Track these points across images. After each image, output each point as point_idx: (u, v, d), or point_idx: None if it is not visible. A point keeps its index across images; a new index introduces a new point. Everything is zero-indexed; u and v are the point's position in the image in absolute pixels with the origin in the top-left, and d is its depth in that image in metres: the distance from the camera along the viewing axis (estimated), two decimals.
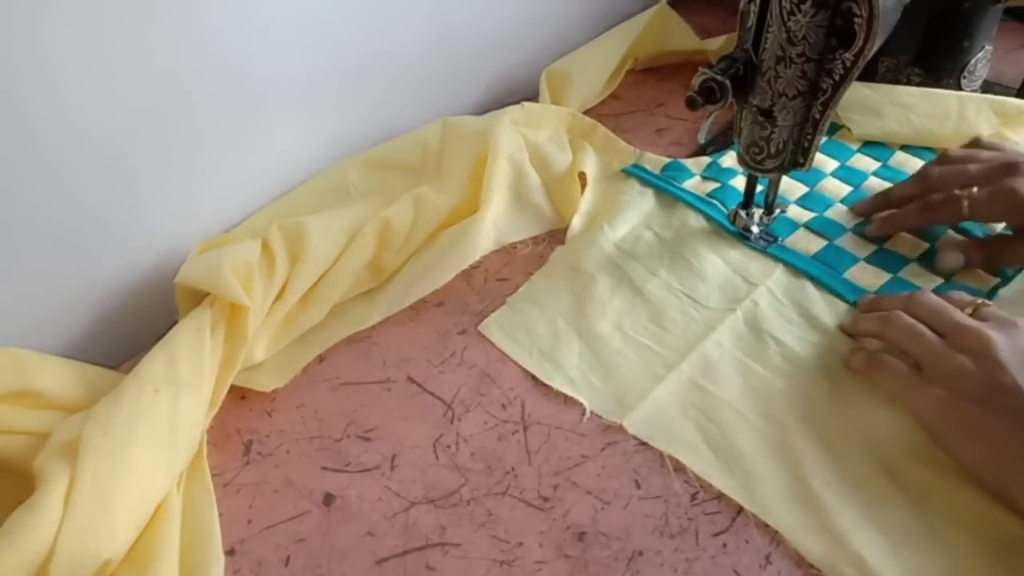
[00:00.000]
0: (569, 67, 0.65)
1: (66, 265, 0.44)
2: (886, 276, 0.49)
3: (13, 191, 0.40)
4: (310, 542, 0.38)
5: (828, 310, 0.47)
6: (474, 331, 0.48)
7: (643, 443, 0.41)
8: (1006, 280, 0.48)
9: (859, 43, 0.39)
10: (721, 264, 0.51)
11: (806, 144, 0.46)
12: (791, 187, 0.57)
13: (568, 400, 0.44)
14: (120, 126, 0.43)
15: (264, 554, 0.38)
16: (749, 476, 0.39)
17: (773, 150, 0.46)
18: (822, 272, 0.49)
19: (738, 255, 0.52)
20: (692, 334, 0.46)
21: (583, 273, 0.51)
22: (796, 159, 0.47)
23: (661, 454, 0.40)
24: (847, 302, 0.48)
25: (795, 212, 0.55)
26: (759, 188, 0.51)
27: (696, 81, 0.44)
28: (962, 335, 0.39)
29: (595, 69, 0.67)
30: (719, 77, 0.43)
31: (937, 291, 0.47)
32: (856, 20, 0.39)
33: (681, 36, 0.72)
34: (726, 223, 0.54)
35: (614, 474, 0.40)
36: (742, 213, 0.52)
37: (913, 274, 0.49)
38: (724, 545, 0.37)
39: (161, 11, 0.42)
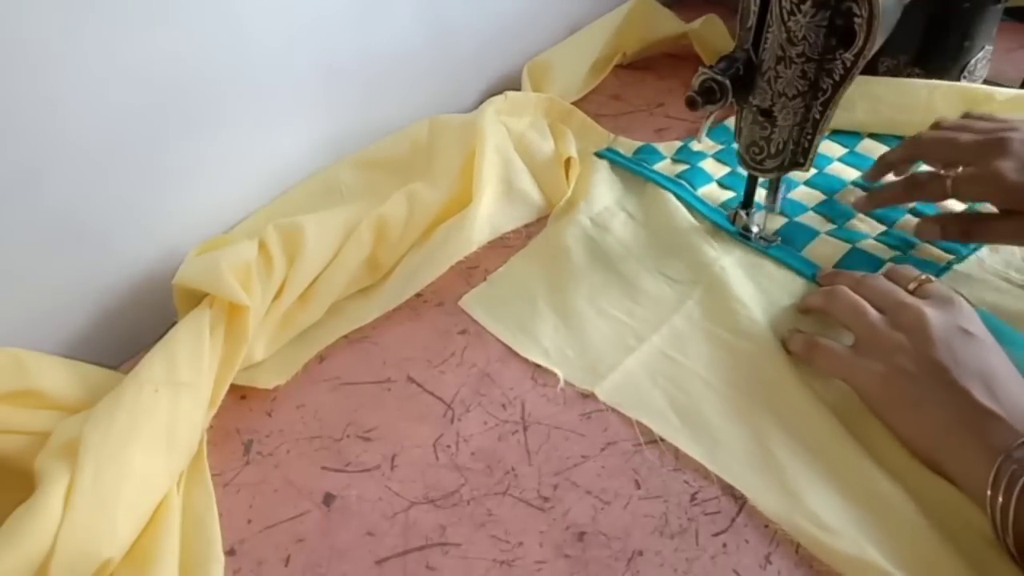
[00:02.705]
0: (549, 59, 0.66)
1: (66, 265, 0.44)
2: (845, 247, 0.51)
3: (11, 192, 0.40)
4: (310, 542, 0.38)
5: (787, 284, 0.49)
6: (474, 331, 0.48)
7: (643, 443, 0.41)
8: (960, 257, 0.50)
9: (859, 43, 0.39)
10: (690, 240, 0.52)
11: (806, 144, 0.46)
12: None
13: (568, 400, 0.44)
14: (118, 126, 0.43)
15: (264, 554, 0.38)
16: (713, 441, 0.41)
17: (773, 150, 0.46)
18: (779, 251, 0.51)
19: (706, 231, 0.53)
20: (664, 307, 0.48)
21: (560, 248, 0.52)
22: (796, 159, 0.47)
23: (661, 453, 0.40)
24: (805, 277, 0.49)
25: (760, 194, 0.56)
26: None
27: (696, 81, 0.44)
28: (901, 312, 0.41)
29: (575, 60, 0.68)
30: (719, 77, 0.43)
31: (894, 262, 0.49)
32: (856, 20, 0.39)
33: (665, 23, 0.73)
34: (693, 200, 0.55)
35: (614, 474, 0.40)
36: (742, 213, 0.52)
37: (871, 247, 0.51)
38: (724, 545, 0.37)
39: (156, 13, 0.42)
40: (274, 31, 0.50)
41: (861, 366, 0.41)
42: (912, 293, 0.43)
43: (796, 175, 0.56)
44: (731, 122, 0.63)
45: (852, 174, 0.58)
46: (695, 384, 0.43)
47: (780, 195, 0.52)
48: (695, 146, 0.61)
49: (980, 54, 0.61)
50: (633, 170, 0.59)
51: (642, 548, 0.37)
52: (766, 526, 0.37)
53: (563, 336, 0.47)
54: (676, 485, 0.39)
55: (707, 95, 0.44)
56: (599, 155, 0.60)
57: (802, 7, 0.39)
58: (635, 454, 0.41)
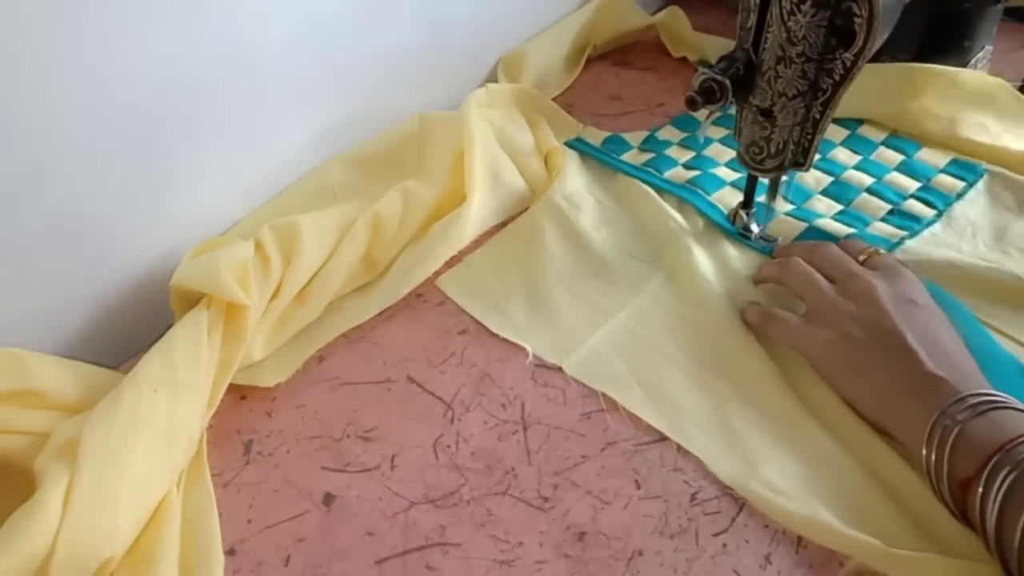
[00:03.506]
0: (523, 53, 0.68)
1: (65, 265, 0.44)
2: (802, 226, 0.52)
3: (11, 192, 0.40)
4: (310, 542, 0.38)
5: (748, 260, 0.51)
6: (474, 331, 0.48)
7: (643, 443, 0.41)
8: (913, 233, 0.51)
9: (859, 43, 0.39)
10: (656, 221, 0.54)
11: (806, 144, 0.46)
12: (722, 152, 0.61)
13: (568, 400, 0.44)
14: (118, 126, 0.43)
15: (264, 554, 0.38)
16: (675, 410, 0.42)
17: (773, 150, 0.46)
18: (735, 228, 0.53)
19: (671, 212, 0.54)
20: (630, 285, 0.50)
21: (534, 228, 0.54)
22: (796, 159, 0.47)
23: (660, 453, 0.40)
24: (764, 252, 0.51)
25: (724, 172, 0.58)
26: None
27: (696, 81, 0.44)
28: (851, 282, 0.43)
29: (547, 53, 0.69)
30: (719, 77, 0.43)
31: (847, 239, 0.50)
32: (856, 20, 0.39)
33: (632, 16, 0.75)
34: (659, 182, 0.57)
35: (614, 474, 0.40)
36: (742, 213, 0.52)
37: (827, 225, 0.52)
38: (724, 545, 0.37)
39: (157, 13, 0.42)
40: (274, 31, 0.50)
41: (811, 334, 0.42)
42: (862, 265, 0.44)
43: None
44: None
45: None
46: (658, 357, 0.45)
47: (780, 193, 0.52)
48: (661, 135, 0.63)
49: (980, 54, 0.61)
50: (601, 160, 0.60)
51: (642, 548, 0.37)
52: (766, 526, 0.37)
53: (534, 314, 0.49)
54: (676, 485, 0.39)
55: (707, 95, 0.44)
56: (568, 145, 0.61)
57: (802, 7, 0.39)
58: (635, 454, 0.41)
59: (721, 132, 0.62)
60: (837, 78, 0.42)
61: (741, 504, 0.38)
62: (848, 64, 0.41)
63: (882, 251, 0.46)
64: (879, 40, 0.39)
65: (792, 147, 0.46)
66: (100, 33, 0.40)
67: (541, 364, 0.46)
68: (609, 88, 0.71)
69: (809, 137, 0.45)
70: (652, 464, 0.40)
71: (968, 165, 0.56)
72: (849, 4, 0.38)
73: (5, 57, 0.37)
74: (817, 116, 0.44)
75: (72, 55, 0.40)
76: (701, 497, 0.38)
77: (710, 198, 0.55)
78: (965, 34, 0.60)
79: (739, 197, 0.55)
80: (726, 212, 0.55)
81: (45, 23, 0.38)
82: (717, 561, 0.36)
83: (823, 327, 0.42)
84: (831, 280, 0.44)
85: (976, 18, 0.59)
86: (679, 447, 0.41)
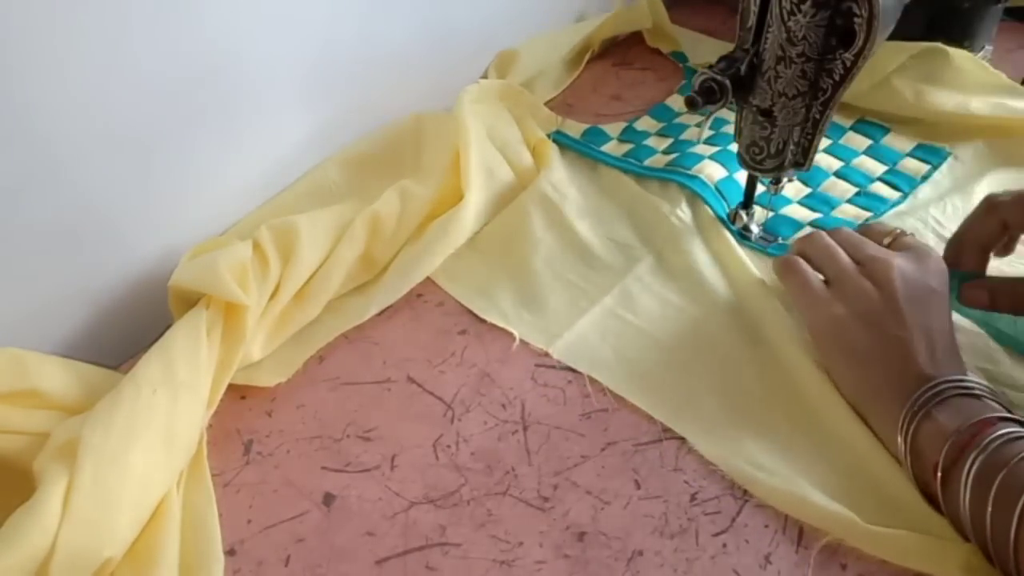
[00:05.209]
0: (518, 49, 0.68)
1: (65, 265, 0.44)
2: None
3: (12, 192, 0.40)
4: (310, 542, 0.38)
5: (728, 244, 0.51)
6: (474, 331, 0.48)
7: (642, 443, 0.41)
8: (877, 214, 0.52)
9: (859, 43, 0.39)
10: (638, 209, 0.55)
11: (806, 144, 0.46)
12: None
13: (568, 400, 0.44)
14: (116, 128, 0.43)
15: (264, 554, 0.38)
16: (659, 392, 0.43)
17: (773, 150, 0.46)
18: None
19: (654, 201, 0.55)
20: (615, 271, 0.51)
21: (522, 215, 0.54)
22: (796, 159, 0.47)
23: (660, 454, 0.41)
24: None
25: (702, 148, 0.59)
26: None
27: (696, 81, 0.44)
28: (872, 262, 0.41)
29: (543, 51, 0.70)
30: (719, 77, 0.43)
31: (815, 224, 0.52)
32: (856, 20, 0.39)
33: (631, 24, 0.75)
34: (640, 170, 0.57)
35: (614, 474, 0.40)
36: (742, 213, 0.52)
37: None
38: (724, 545, 0.37)
39: (154, 14, 0.42)
40: (271, 32, 0.49)
41: (823, 304, 0.41)
42: (888, 247, 0.43)
43: None
44: (672, 101, 0.67)
45: None
46: (643, 340, 0.46)
47: (780, 191, 0.52)
48: (639, 126, 0.64)
49: (980, 54, 0.61)
50: (582, 152, 0.61)
51: (642, 548, 0.37)
52: (766, 526, 0.37)
53: (522, 299, 0.49)
54: (676, 485, 0.39)
55: (707, 95, 0.44)
56: (549, 137, 0.62)
57: (802, 7, 0.39)
58: (635, 454, 0.41)
59: (696, 118, 0.63)
60: (837, 78, 0.42)
61: (741, 504, 0.38)
62: (848, 64, 0.41)
63: (909, 233, 0.44)
64: (879, 40, 0.39)
65: (792, 147, 0.46)
66: (98, 34, 0.40)
67: (541, 364, 0.46)
68: (609, 88, 0.71)
69: (809, 137, 0.45)
70: (652, 464, 0.40)
71: (933, 149, 0.57)
72: (849, 4, 0.38)
73: (4, 58, 0.37)
74: (817, 116, 0.44)
75: (70, 56, 0.39)
76: (701, 497, 0.38)
77: (690, 171, 0.55)
78: (965, 34, 0.60)
79: (719, 169, 0.56)
80: (707, 181, 0.55)
81: (44, 24, 0.38)
82: (717, 561, 0.36)
83: (837, 302, 0.41)
84: (856, 262, 0.42)
85: (976, 18, 0.59)
86: (681, 443, 0.41)
